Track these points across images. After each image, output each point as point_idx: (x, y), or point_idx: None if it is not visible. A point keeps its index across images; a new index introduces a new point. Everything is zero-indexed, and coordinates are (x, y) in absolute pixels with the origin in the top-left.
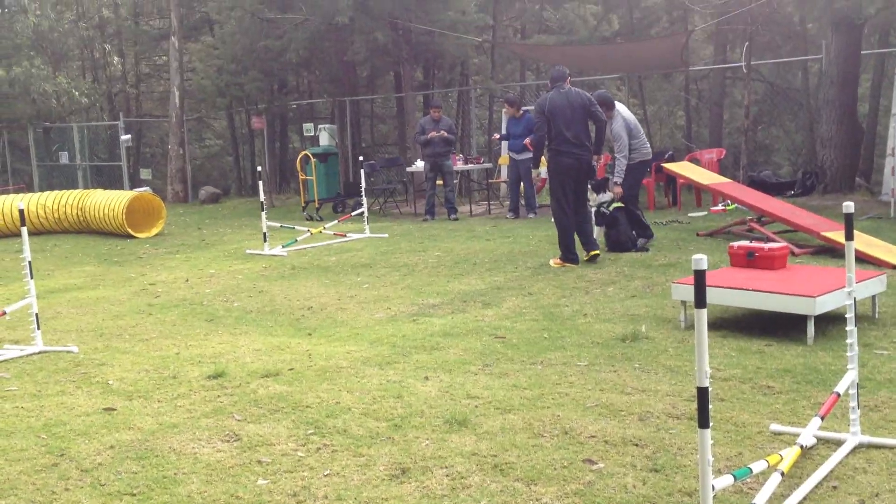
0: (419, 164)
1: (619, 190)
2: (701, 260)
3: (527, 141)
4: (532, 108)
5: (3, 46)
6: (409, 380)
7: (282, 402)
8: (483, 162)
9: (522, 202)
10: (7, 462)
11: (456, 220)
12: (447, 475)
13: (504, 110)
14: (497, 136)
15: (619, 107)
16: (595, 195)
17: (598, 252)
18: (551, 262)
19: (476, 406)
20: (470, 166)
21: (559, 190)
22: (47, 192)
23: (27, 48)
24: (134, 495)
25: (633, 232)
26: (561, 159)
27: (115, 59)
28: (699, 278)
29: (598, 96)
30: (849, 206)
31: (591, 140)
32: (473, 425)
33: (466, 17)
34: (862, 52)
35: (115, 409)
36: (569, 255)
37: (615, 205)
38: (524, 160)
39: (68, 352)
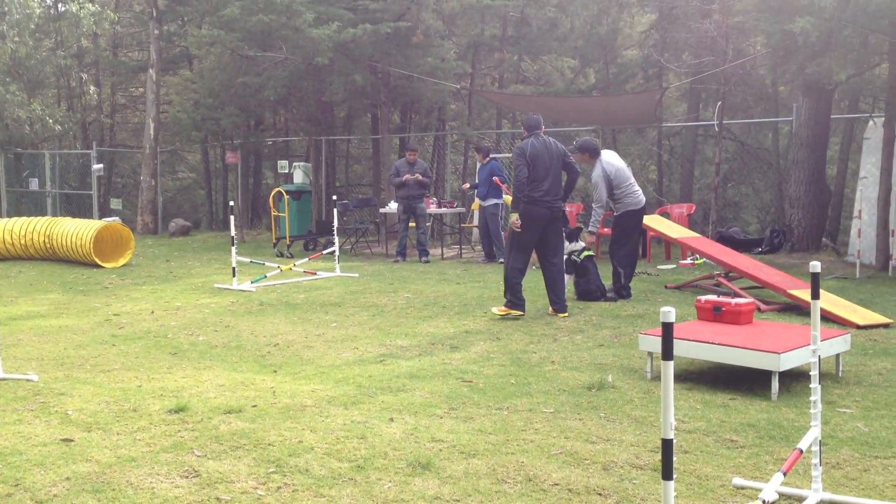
0: (392, 206)
1: (590, 239)
2: (669, 312)
3: (496, 178)
4: (496, 156)
5: None
6: (374, 421)
7: (243, 439)
8: (456, 206)
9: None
10: None
11: (427, 262)
12: None
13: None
14: (467, 185)
15: (606, 155)
16: (567, 243)
17: (565, 315)
18: (494, 310)
19: (440, 449)
20: (443, 210)
21: (521, 241)
22: (15, 218)
23: (3, 73)
24: None
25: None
26: (535, 208)
27: (92, 88)
28: (667, 331)
29: (584, 143)
30: (815, 265)
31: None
32: (437, 469)
33: (445, 64)
34: (832, 116)
35: (73, 441)
36: (515, 304)
37: (586, 253)
38: (489, 205)
39: (28, 380)
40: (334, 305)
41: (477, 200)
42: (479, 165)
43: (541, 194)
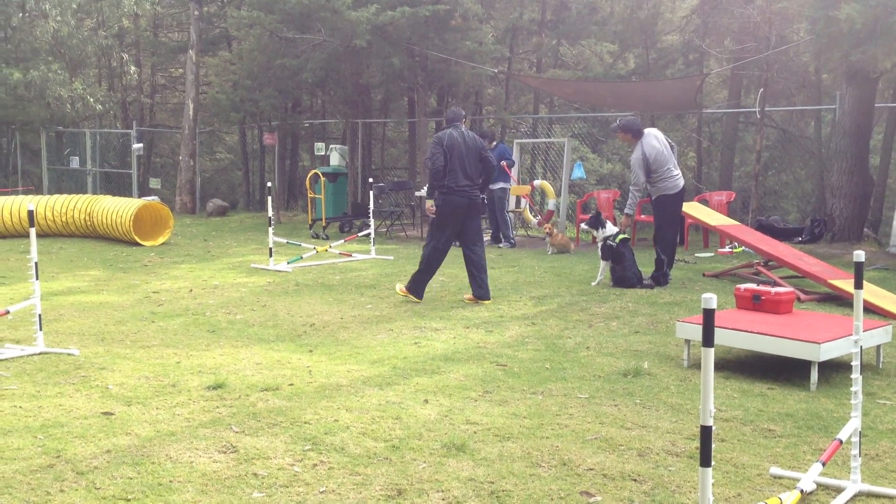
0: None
1: (626, 221)
2: (711, 299)
3: (504, 163)
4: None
5: (22, 50)
6: (409, 402)
7: (280, 417)
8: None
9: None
10: (2, 461)
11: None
12: (443, 499)
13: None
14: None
15: (649, 134)
16: (595, 231)
17: (488, 301)
18: (397, 288)
19: (475, 432)
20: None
21: (439, 228)
22: (56, 196)
23: (45, 53)
24: (128, 500)
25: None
26: (452, 198)
27: (132, 68)
28: (708, 317)
29: (628, 123)
30: (859, 254)
31: (479, 180)
32: (471, 451)
33: (483, 48)
34: (876, 105)
35: (113, 414)
36: (418, 291)
37: (621, 237)
38: (497, 189)
39: (69, 354)
40: (369, 287)
41: (514, 185)
42: (517, 148)
43: (458, 184)
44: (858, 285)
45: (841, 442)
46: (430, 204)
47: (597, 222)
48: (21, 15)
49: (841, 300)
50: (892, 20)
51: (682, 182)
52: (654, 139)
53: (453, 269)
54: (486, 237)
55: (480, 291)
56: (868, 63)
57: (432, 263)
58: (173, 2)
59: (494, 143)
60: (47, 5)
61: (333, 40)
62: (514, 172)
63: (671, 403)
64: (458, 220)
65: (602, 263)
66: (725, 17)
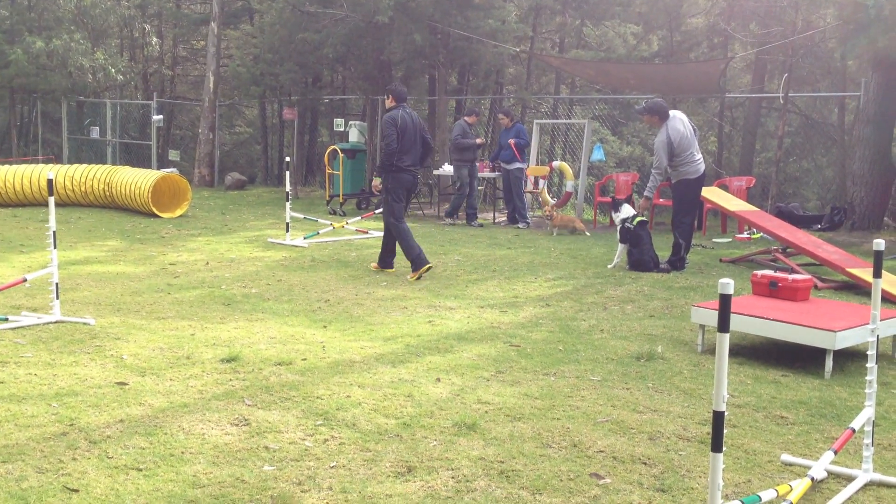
0: (447, 168)
1: (644, 203)
2: (727, 284)
3: (511, 141)
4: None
5: (45, 19)
6: (421, 380)
7: (293, 391)
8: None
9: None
10: (17, 427)
11: (480, 226)
12: (453, 477)
13: (501, 120)
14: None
15: (674, 117)
16: (615, 213)
17: (392, 270)
18: (409, 277)
19: (486, 411)
20: (497, 174)
21: (396, 205)
22: (76, 165)
23: (68, 22)
24: (140, 470)
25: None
26: (402, 175)
27: (154, 39)
28: (724, 302)
29: (654, 105)
30: (879, 243)
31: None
32: (482, 430)
33: (506, 26)
34: None
35: (127, 384)
36: (418, 259)
37: (638, 219)
38: (513, 169)
39: (85, 323)
40: None
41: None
42: (502, 130)
43: (406, 163)
44: (877, 274)
45: (854, 431)
46: (377, 182)
47: (618, 205)
48: None
49: (859, 289)
50: None
51: (703, 167)
52: (680, 122)
53: (469, 247)
54: (503, 217)
55: (384, 262)
56: (895, 49)
57: (403, 231)
58: None
59: (514, 122)
60: None
61: (355, 15)
62: (527, 154)
63: (684, 388)
64: (406, 196)
65: (620, 246)
66: (751, 0)
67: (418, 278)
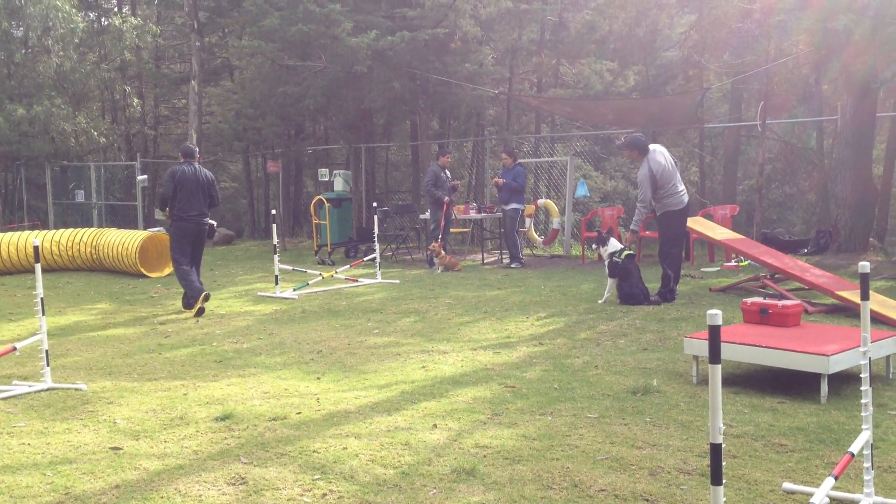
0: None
1: (631, 237)
2: (716, 315)
3: (495, 179)
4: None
5: (25, 86)
6: (418, 427)
7: (289, 446)
8: (496, 211)
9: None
10: (12, 499)
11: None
12: None
13: (504, 160)
14: (499, 180)
15: (654, 151)
16: (601, 248)
17: (202, 309)
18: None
19: (484, 455)
20: (483, 215)
21: (178, 249)
22: (62, 230)
23: (49, 88)
24: None
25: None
26: (183, 224)
27: (135, 100)
28: (714, 333)
29: (633, 140)
30: (865, 266)
31: (208, 209)
32: (482, 475)
33: (483, 69)
34: (877, 115)
35: (121, 449)
36: (192, 293)
37: (626, 253)
38: (509, 209)
39: (76, 389)
40: (376, 312)
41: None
42: (503, 169)
43: (188, 214)
44: (865, 296)
45: (853, 455)
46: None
47: (602, 240)
48: (24, 51)
49: (849, 311)
50: (890, 30)
51: (686, 198)
52: (661, 155)
53: (459, 290)
54: (505, 258)
55: (188, 302)
56: (867, 73)
57: (185, 274)
58: (175, 33)
59: (515, 162)
60: (49, 41)
61: (334, 67)
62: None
63: (681, 421)
64: (189, 242)
65: (609, 281)
66: (724, 31)
67: (197, 313)
